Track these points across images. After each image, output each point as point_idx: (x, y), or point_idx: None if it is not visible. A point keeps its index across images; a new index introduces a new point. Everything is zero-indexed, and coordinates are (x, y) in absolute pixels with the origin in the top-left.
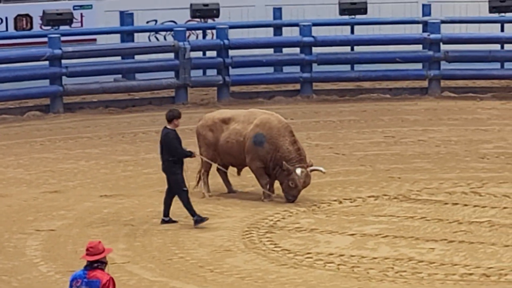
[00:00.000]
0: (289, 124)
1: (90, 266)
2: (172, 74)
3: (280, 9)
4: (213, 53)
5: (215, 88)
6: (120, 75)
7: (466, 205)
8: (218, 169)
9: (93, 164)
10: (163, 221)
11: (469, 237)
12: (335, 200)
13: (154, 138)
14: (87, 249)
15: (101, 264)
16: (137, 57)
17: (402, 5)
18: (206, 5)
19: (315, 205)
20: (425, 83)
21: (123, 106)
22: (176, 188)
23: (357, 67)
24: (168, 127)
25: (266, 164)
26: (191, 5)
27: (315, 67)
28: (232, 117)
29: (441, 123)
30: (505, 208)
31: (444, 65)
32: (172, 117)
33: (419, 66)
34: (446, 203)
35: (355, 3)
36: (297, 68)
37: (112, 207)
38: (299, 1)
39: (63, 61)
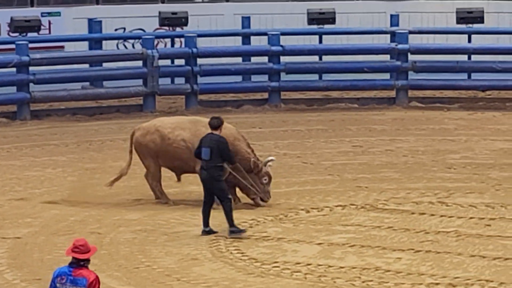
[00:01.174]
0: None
1: (76, 264)
2: (140, 82)
3: (248, 18)
4: (182, 61)
5: (183, 96)
6: (88, 83)
7: (433, 215)
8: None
9: (60, 171)
10: (205, 232)
11: (436, 247)
12: (302, 209)
13: (122, 146)
14: (76, 247)
15: (87, 262)
16: (105, 65)
17: (370, 15)
18: (175, 13)
19: (282, 214)
20: (392, 93)
21: (91, 113)
22: (221, 195)
23: (325, 76)
24: (215, 133)
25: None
26: (159, 13)
27: (283, 76)
28: (176, 124)
29: (408, 133)
30: (471, 218)
31: (412, 75)
32: (220, 124)
33: (386, 76)
34: (413, 213)
35: (323, 13)
36: (265, 77)
37: (78, 215)
38: (268, 10)
39: (31, 68)
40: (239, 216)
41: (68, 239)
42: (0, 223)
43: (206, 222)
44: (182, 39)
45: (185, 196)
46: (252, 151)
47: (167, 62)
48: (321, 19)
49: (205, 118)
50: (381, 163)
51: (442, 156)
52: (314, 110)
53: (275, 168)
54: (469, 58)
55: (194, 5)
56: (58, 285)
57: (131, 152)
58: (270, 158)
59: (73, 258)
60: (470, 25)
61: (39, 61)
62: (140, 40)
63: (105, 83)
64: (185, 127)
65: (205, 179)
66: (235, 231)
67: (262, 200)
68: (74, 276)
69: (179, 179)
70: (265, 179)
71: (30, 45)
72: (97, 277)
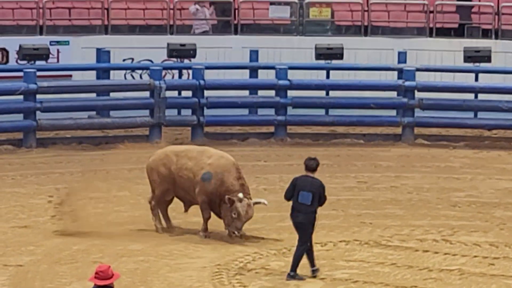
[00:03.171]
0: (237, 163)
1: None
2: (147, 112)
3: (256, 51)
4: (189, 93)
5: (189, 128)
6: (94, 112)
7: (436, 252)
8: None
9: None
10: (290, 277)
11: (439, 285)
12: None
13: (126, 176)
14: (97, 273)
15: None
16: (112, 95)
17: (378, 52)
18: (183, 45)
19: (285, 248)
20: (398, 130)
21: (97, 143)
22: (307, 239)
23: (332, 111)
24: (313, 176)
25: (212, 200)
26: (168, 44)
27: (290, 110)
28: (185, 152)
29: (413, 170)
30: (475, 256)
31: (418, 113)
32: (317, 166)
33: (393, 112)
34: (416, 250)
35: (331, 48)
36: (271, 111)
37: (81, 244)
38: (276, 44)
39: (38, 96)
40: (242, 249)
41: (70, 268)
42: (2, 251)
43: (312, 263)
44: (190, 71)
45: (188, 227)
46: (242, 184)
47: (174, 93)
48: (329, 54)
49: (213, 149)
50: (385, 200)
51: (447, 194)
52: (320, 145)
53: (280, 202)
54: (476, 96)
55: (202, 37)
56: None
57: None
58: (261, 200)
59: (95, 284)
60: (478, 64)
61: (47, 89)
62: (148, 71)
63: (111, 112)
64: (191, 156)
65: (302, 222)
66: (293, 276)
67: (232, 233)
68: None
69: (186, 210)
70: (234, 214)
71: (38, 73)
72: None
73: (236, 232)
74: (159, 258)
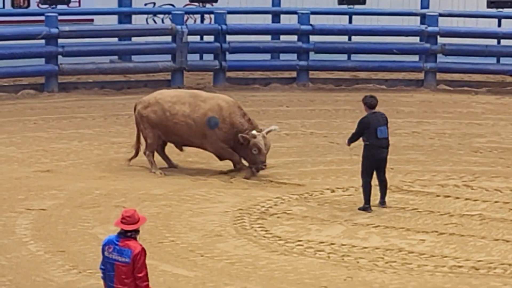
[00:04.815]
0: (237, 101)
1: (123, 234)
2: (168, 57)
3: None
4: (211, 38)
5: (211, 73)
6: (116, 57)
7: (457, 198)
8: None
9: (86, 144)
10: (384, 203)
11: (460, 229)
12: (327, 189)
13: None
14: (123, 218)
15: (135, 233)
16: (134, 39)
17: None
18: None
19: (307, 193)
20: (421, 75)
21: (118, 87)
22: (384, 170)
23: (354, 57)
24: (379, 111)
25: (228, 144)
26: None
27: (312, 56)
28: (176, 98)
29: (435, 116)
30: (496, 202)
31: (441, 58)
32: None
33: (415, 58)
34: (438, 195)
35: None
36: (294, 56)
37: (104, 188)
38: None
39: (60, 41)
40: (264, 194)
41: (92, 212)
42: (25, 195)
43: (369, 199)
44: (212, 16)
45: (209, 170)
46: (249, 120)
47: (196, 38)
48: None
49: (204, 92)
50: (407, 145)
51: (469, 139)
52: (342, 90)
53: (302, 147)
54: (499, 42)
55: None
56: (106, 253)
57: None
58: (272, 128)
59: (121, 229)
60: (501, 9)
61: (68, 33)
62: (170, 16)
63: (133, 57)
64: (185, 101)
65: (386, 157)
66: (365, 208)
67: (257, 170)
68: (120, 246)
69: (181, 149)
70: (255, 150)
71: (60, 18)
72: (142, 249)
73: (263, 166)
74: (181, 203)
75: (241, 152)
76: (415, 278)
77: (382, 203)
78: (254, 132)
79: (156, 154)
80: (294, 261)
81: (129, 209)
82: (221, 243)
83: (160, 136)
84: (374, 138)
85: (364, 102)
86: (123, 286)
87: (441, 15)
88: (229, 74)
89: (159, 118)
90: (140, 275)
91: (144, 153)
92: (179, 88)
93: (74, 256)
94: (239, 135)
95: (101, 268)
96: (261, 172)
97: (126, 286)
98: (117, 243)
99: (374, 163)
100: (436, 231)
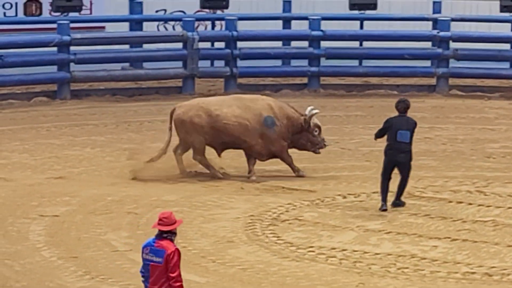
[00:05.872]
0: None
1: (160, 235)
2: (180, 64)
3: (289, 2)
4: (222, 44)
5: (223, 79)
6: (127, 64)
7: (470, 204)
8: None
9: (98, 151)
10: (396, 204)
11: (473, 236)
12: (339, 195)
13: (160, 127)
14: (160, 219)
15: (171, 234)
16: (145, 46)
17: (413, 2)
18: None
19: (319, 199)
20: (433, 81)
21: (130, 94)
22: (409, 174)
23: (365, 62)
24: (407, 116)
25: (287, 140)
26: None
27: (323, 61)
28: (220, 101)
29: (448, 121)
30: (509, 208)
31: (453, 63)
32: (408, 107)
33: (427, 63)
34: (450, 201)
35: None
36: (305, 62)
37: (116, 194)
38: None
39: (72, 48)
40: (275, 200)
41: (104, 219)
42: (38, 201)
43: (385, 198)
44: (223, 22)
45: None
46: (292, 107)
47: (207, 44)
48: (363, 4)
49: (244, 95)
50: (419, 151)
51: (481, 145)
52: (353, 96)
53: (313, 153)
54: None
55: None
56: (143, 255)
57: (170, 129)
58: (314, 111)
59: (159, 230)
60: None
61: (80, 41)
62: (181, 22)
63: (145, 64)
64: (231, 104)
65: (404, 162)
66: (398, 204)
67: (320, 148)
68: (155, 247)
69: (219, 155)
70: (315, 131)
71: (72, 25)
72: (176, 249)
73: (325, 143)
74: (193, 209)
75: (300, 140)
76: (427, 285)
77: (394, 203)
78: (313, 111)
79: (159, 157)
80: (305, 267)
81: (166, 211)
82: (233, 249)
83: (203, 141)
84: (393, 140)
85: (396, 106)
86: (157, 286)
87: (453, 19)
88: (240, 80)
89: (205, 121)
90: (173, 275)
91: (195, 159)
92: (190, 95)
93: (87, 262)
94: (303, 118)
95: (141, 272)
96: (272, 179)
97: (159, 286)
98: (153, 244)
99: (389, 164)
100: (449, 237)
